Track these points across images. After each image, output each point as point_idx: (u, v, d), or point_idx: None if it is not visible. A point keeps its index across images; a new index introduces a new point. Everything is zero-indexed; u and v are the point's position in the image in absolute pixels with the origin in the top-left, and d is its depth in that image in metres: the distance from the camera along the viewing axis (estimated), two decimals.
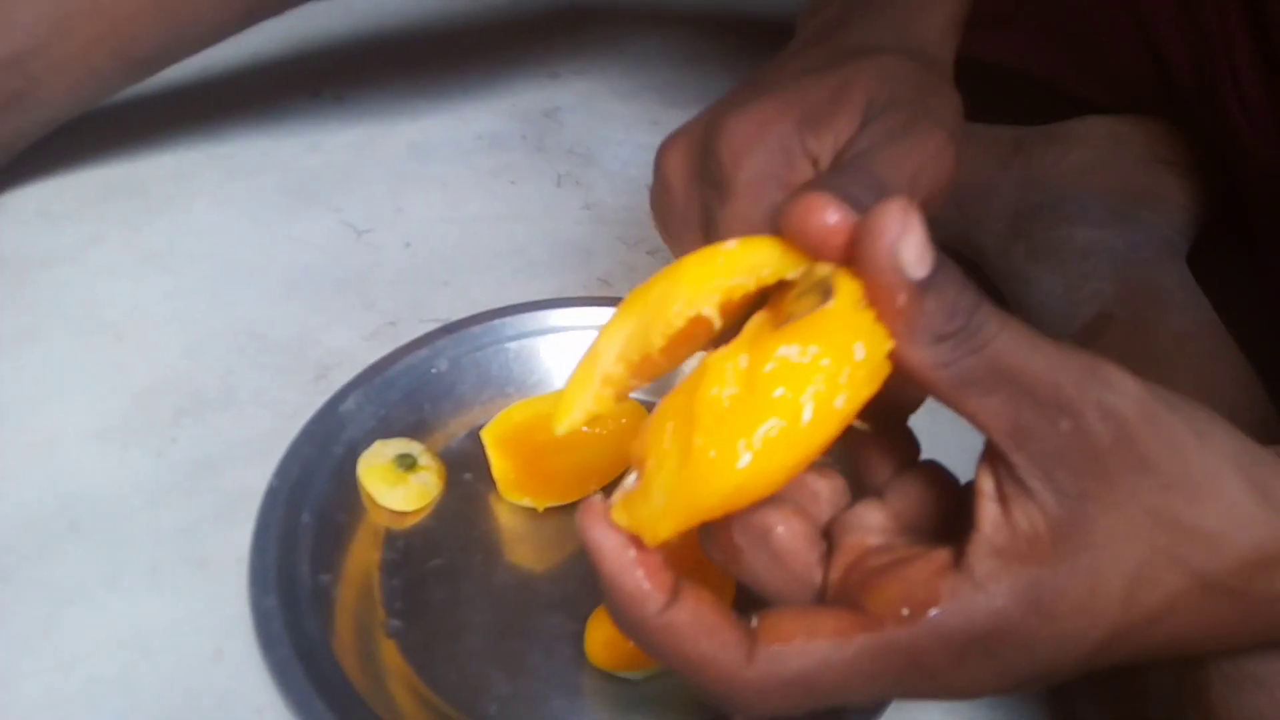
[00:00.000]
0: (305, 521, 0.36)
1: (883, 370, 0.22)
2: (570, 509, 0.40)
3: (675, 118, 0.67)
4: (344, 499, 0.38)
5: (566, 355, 0.44)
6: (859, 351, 0.21)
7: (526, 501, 0.39)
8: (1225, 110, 0.44)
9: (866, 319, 0.21)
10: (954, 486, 0.24)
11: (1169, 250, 0.46)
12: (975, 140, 0.53)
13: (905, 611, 0.21)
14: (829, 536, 0.24)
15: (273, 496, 0.36)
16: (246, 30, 0.54)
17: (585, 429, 0.40)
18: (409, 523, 0.39)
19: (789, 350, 0.21)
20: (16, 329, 0.46)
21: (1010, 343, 0.21)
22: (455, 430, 0.42)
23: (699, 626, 0.22)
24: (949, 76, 0.34)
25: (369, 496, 0.38)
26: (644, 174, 0.61)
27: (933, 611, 0.21)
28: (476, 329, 0.43)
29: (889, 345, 0.21)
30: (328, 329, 0.47)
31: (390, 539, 0.38)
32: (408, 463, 0.39)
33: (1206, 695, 0.26)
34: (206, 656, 0.34)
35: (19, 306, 0.47)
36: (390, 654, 0.34)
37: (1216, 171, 0.49)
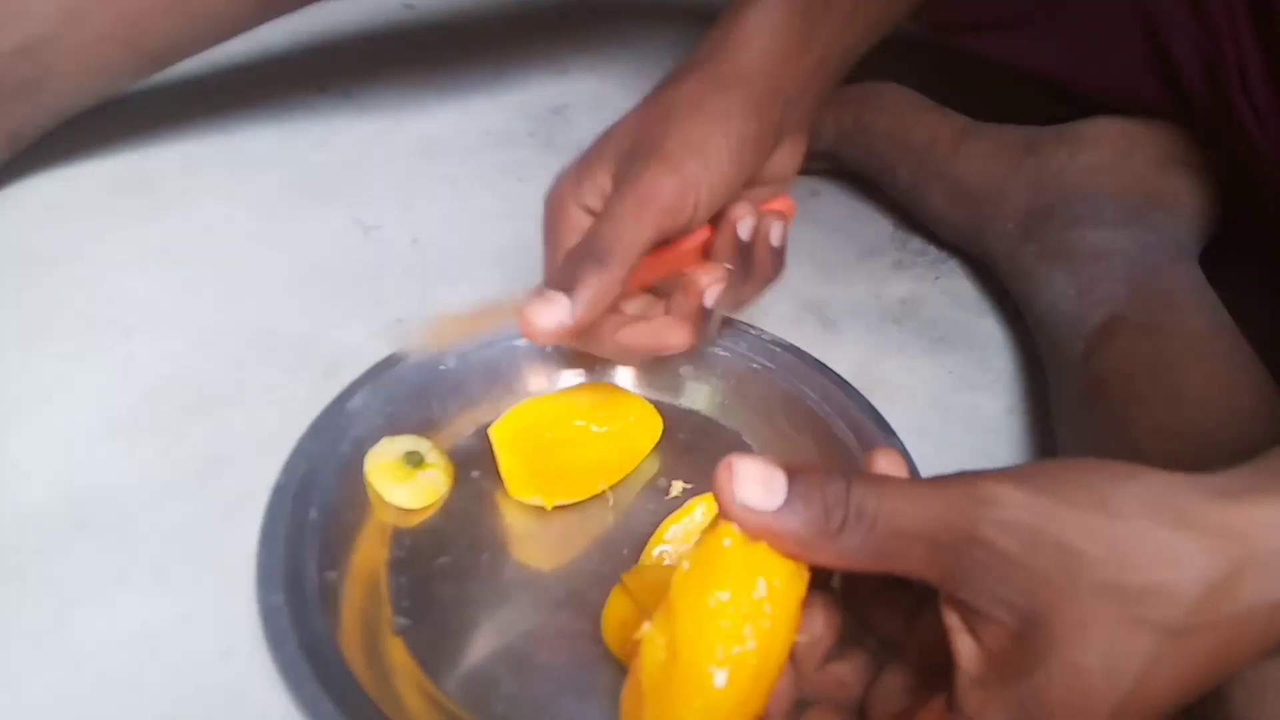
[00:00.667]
0: (313, 519, 0.36)
1: (793, 589, 0.23)
2: (578, 507, 0.40)
3: None
4: (351, 496, 0.38)
5: (574, 354, 0.44)
6: (761, 586, 0.23)
7: (535, 499, 0.39)
8: (1234, 113, 0.44)
9: (759, 552, 0.23)
10: None
11: (1182, 252, 0.46)
12: (985, 140, 0.53)
13: None
14: (863, 712, 0.26)
15: (280, 494, 0.36)
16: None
17: (594, 427, 0.40)
18: (417, 520, 0.39)
19: (697, 604, 0.23)
20: (25, 325, 0.46)
21: (892, 509, 0.22)
22: (463, 428, 0.42)
23: None
24: (748, 94, 0.35)
25: (376, 494, 0.38)
26: None
27: None
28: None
29: (791, 566, 0.23)
30: (336, 325, 0.47)
31: (398, 536, 0.38)
32: (415, 460, 0.39)
33: (1229, 704, 0.26)
34: (214, 654, 0.34)
35: (27, 302, 0.47)
36: (397, 652, 0.34)
37: (1228, 173, 0.49)
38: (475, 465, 0.41)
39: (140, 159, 0.57)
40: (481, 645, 0.35)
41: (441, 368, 0.42)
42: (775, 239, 0.36)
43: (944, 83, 0.58)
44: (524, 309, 0.31)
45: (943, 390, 0.47)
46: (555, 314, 0.31)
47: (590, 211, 0.35)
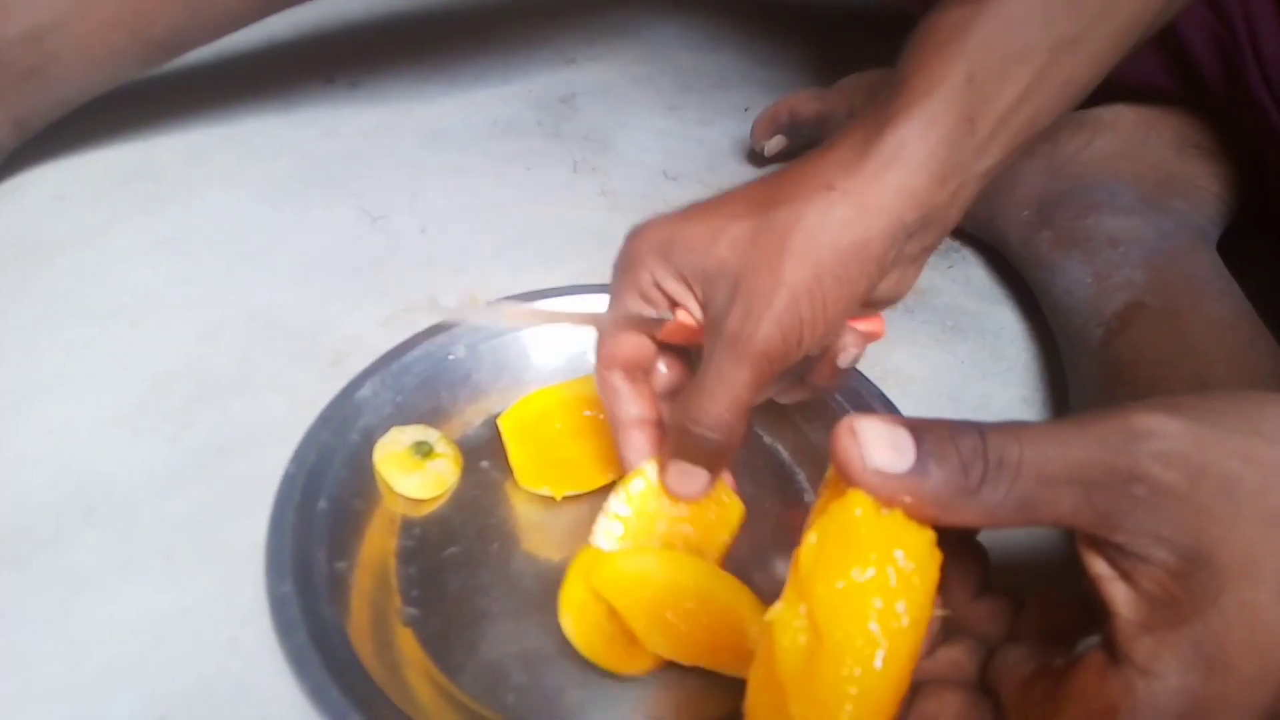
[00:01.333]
0: (321, 508, 0.36)
1: (934, 558, 0.22)
2: (588, 497, 0.39)
3: (691, 103, 0.67)
4: (360, 486, 0.38)
5: (583, 342, 0.44)
6: (902, 558, 0.22)
7: (544, 489, 0.39)
8: (1251, 96, 0.43)
9: (895, 521, 0.22)
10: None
11: (1200, 238, 0.45)
12: None
13: None
14: (987, 687, 0.24)
15: (289, 483, 0.36)
16: None
17: (604, 417, 0.40)
18: (425, 510, 0.38)
19: (840, 583, 0.22)
20: (31, 315, 0.46)
21: (1038, 454, 0.21)
22: (472, 418, 0.42)
23: None
24: (879, 226, 0.31)
25: (385, 483, 0.38)
26: (660, 160, 0.60)
27: None
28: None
29: (930, 535, 0.22)
30: (343, 315, 0.47)
31: (407, 526, 0.38)
32: (424, 450, 0.39)
33: None
34: (221, 644, 0.34)
35: (33, 292, 0.47)
36: (407, 642, 0.34)
37: (1246, 158, 0.48)
38: (484, 455, 0.40)
39: (146, 149, 0.57)
40: (491, 636, 0.34)
41: (450, 357, 0.42)
42: (844, 362, 0.34)
43: None
44: (667, 481, 0.33)
45: (955, 379, 0.47)
46: (696, 484, 0.33)
47: (667, 295, 0.33)
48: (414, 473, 0.38)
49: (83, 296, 0.47)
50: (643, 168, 0.59)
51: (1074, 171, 0.49)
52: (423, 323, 0.43)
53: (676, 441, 0.32)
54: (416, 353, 0.41)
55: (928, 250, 0.34)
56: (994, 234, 0.52)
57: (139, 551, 0.37)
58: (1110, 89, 0.49)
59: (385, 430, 0.39)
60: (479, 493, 0.39)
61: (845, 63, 0.60)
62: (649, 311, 0.34)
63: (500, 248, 0.52)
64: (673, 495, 0.33)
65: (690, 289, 0.33)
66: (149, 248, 0.50)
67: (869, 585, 0.21)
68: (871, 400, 0.41)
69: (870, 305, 0.34)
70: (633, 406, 0.35)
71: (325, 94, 0.63)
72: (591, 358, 0.43)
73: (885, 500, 0.22)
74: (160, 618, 0.35)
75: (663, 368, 0.36)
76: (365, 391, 0.39)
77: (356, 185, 0.56)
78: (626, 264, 0.34)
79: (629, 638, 0.33)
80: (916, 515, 0.22)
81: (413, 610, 0.35)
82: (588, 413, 0.41)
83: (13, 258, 0.49)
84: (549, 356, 0.43)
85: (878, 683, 0.21)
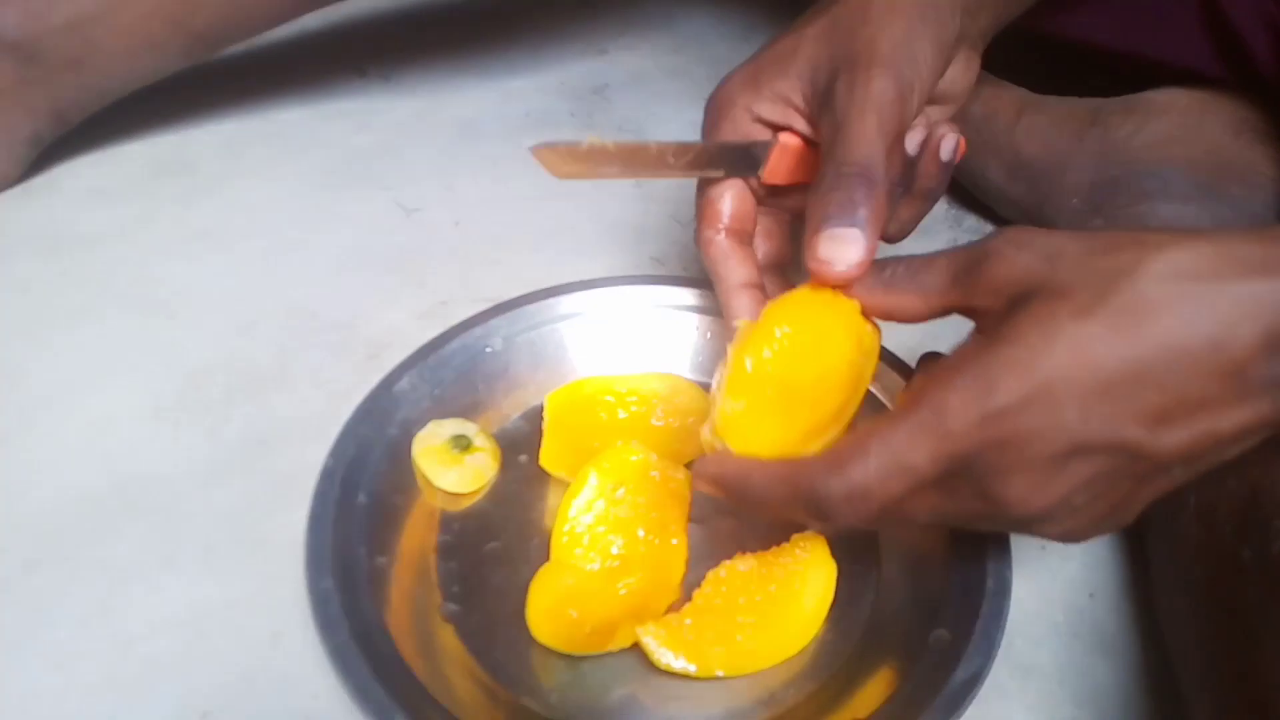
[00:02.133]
0: (361, 502, 0.35)
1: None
2: None
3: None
4: (399, 480, 0.37)
5: (621, 335, 0.43)
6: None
7: (562, 474, 0.38)
8: None
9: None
10: None
11: (1258, 225, 0.44)
12: (1046, 113, 0.50)
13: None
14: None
15: (328, 477, 0.35)
16: None
17: (655, 421, 0.39)
18: (465, 504, 0.38)
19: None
20: (70, 308, 0.46)
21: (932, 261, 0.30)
22: (509, 411, 0.41)
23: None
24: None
25: (424, 477, 0.37)
26: None
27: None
28: (530, 308, 0.42)
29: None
30: (380, 308, 0.47)
31: (446, 521, 0.37)
32: (463, 444, 0.38)
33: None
34: (263, 639, 0.34)
35: (71, 285, 0.47)
36: (448, 638, 0.34)
37: None
38: (523, 449, 0.40)
39: (181, 142, 0.57)
40: (531, 633, 0.34)
41: (488, 350, 0.41)
42: (946, 153, 0.34)
43: (991, 57, 0.56)
44: (818, 254, 0.30)
45: None
46: (854, 250, 0.30)
47: (765, 123, 0.34)
48: (453, 467, 0.38)
49: (120, 290, 0.47)
50: None
51: (1125, 158, 0.47)
52: (459, 314, 0.42)
53: (820, 203, 0.30)
54: (454, 345, 0.41)
55: (984, 38, 0.36)
56: (1041, 222, 0.50)
57: (180, 546, 0.36)
58: (1159, 74, 0.48)
59: (424, 424, 0.38)
60: (518, 487, 0.39)
61: None
62: (756, 136, 0.34)
63: (535, 240, 0.52)
64: (828, 269, 0.30)
65: (789, 104, 0.33)
66: (186, 241, 0.50)
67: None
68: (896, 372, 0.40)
69: (939, 100, 0.35)
70: (739, 268, 0.35)
71: (358, 87, 0.63)
72: (634, 349, 0.42)
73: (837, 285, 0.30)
74: (202, 612, 0.35)
75: (760, 236, 0.37)
76: (403, 384, 0.39)
77: (390, 178, 0.55)
78: (716, 111, 0.34)
79: (604, 625, 0.33)
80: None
81: (454, 606, 0.35)
82: (636, 409, 0.40)
83: (50, 251, 0.49)
84: (587, 349, 0.43)
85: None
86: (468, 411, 0.40)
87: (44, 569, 0.35)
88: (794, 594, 0.34)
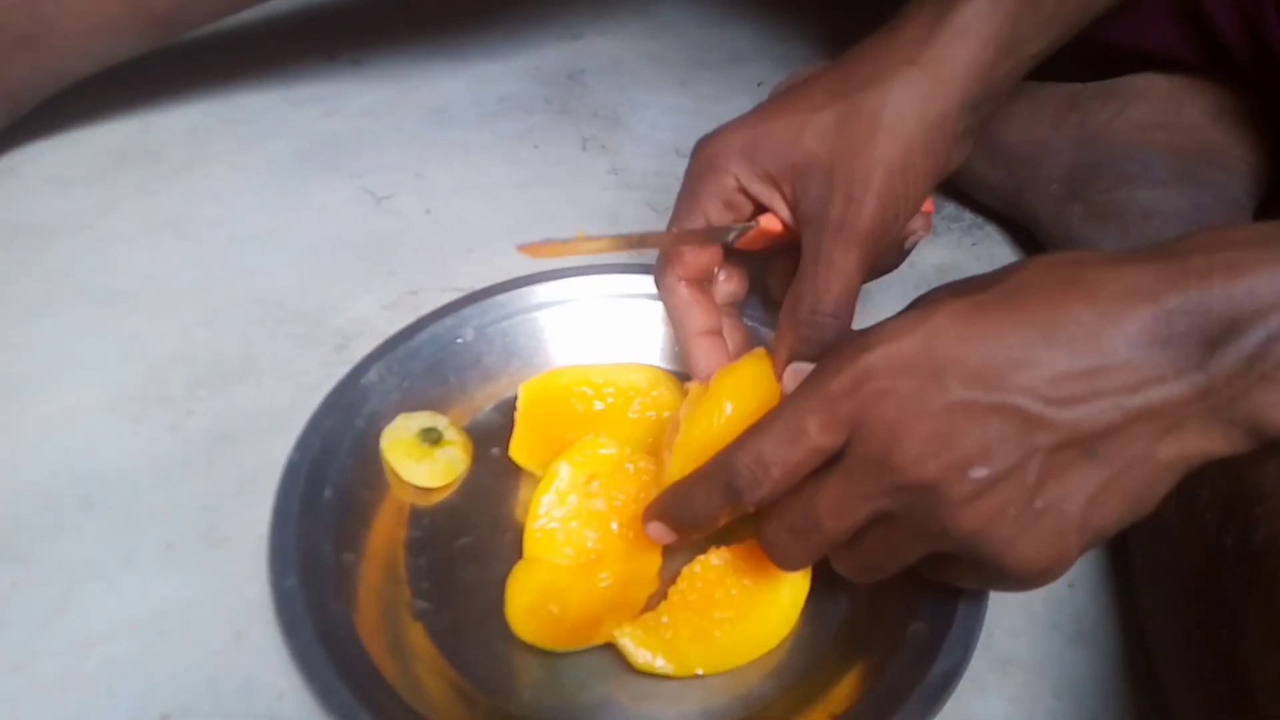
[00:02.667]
0: (327, 497, 0.34)
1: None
2: None
3: (703, 79, 0.65)
4: (367, 474, 0.36)
5: (596, 325, 0.42)
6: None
7: (531, 468, 0.37)
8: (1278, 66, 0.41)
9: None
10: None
11: (1237, 211, 0.43)
12: (1025, 99, 0.50)
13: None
14: None
15: (293, 472, 0.34)
16: None
17: (633, 413, 0.38)
18: (435, 499, 0.37)
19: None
20: (29, 298, 0.45)
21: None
22: (481, 403, 0.40)
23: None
24: (950, 97, 0.32)
25: (393, 472, 0.37)
26: (672, 137, 0.59)
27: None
28: (502, 297, 0.42)
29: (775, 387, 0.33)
30: (348, 298, 0.46)
31: (415, 516, 0.36)
32: (433, 437, 0.37)
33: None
34: (226, 638, 0.33)
35: (31, 275, 0.46)
36: (417, 637, 0.33)
37: (1277, 128, 0.46)
38: (495, 441, 0.39)
39: (144, 129, 0.55)
40: (504, 630, 0.33)
41: (459, 340, 0.40)
42: (910, 244, 0.36)
43: None
44: (784, 384, 0.32)
45: None
46: None
47: (749, 197, 0.34)
48: (423, 461, 0.37)
49: (81, 280, 0.46)
50: (654, 145, 0.58)
51: (1105, 143, 0.47)
52: (430, 304, 0.41)
53: (794, 337, 0.32)
54: (423, 336, 0.40)
55: (982, 124, 0.35)
56: (1021, 209, 0.50)
57: (140, 543, 0.35)
58: (1135, 60, 0.47)
59: (392, 417, 0.37)
60: (490, 481, 0.38)
61: (861, 37, 0.58)
62: (731, 220, 0.34)
63: (509, 227, 0.51)
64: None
65: (777, 188, 0.33)
66: (149, 230, 0.49)
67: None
68: None
69: (948, 167, 0.35)
70: (701, 317, 0.36)
71: (326, 71, 0.62)
72: (609, 339, 0.42)
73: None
74: (163, 612, 0.34)
75: (722, 277, 0.37)
76: (371, 377, 0.38)
77: (360, 165, 0.54)
78: (706, 169, 0.34)
79: (586, 619, 0.32)
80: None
81: (423, 604, 0.34)
82: (606, 401, 0.39)
83: (9, 241, 0.47)
84: (561, 339, 0.42)
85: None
86: (438, 404, 0.39)
87: (0, 567, 0.34)
88: (769, 587, 0.33)
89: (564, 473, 0.35)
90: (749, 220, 0.35)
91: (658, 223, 0.52)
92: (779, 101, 0.34)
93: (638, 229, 0.51)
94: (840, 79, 0.33)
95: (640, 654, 0.31)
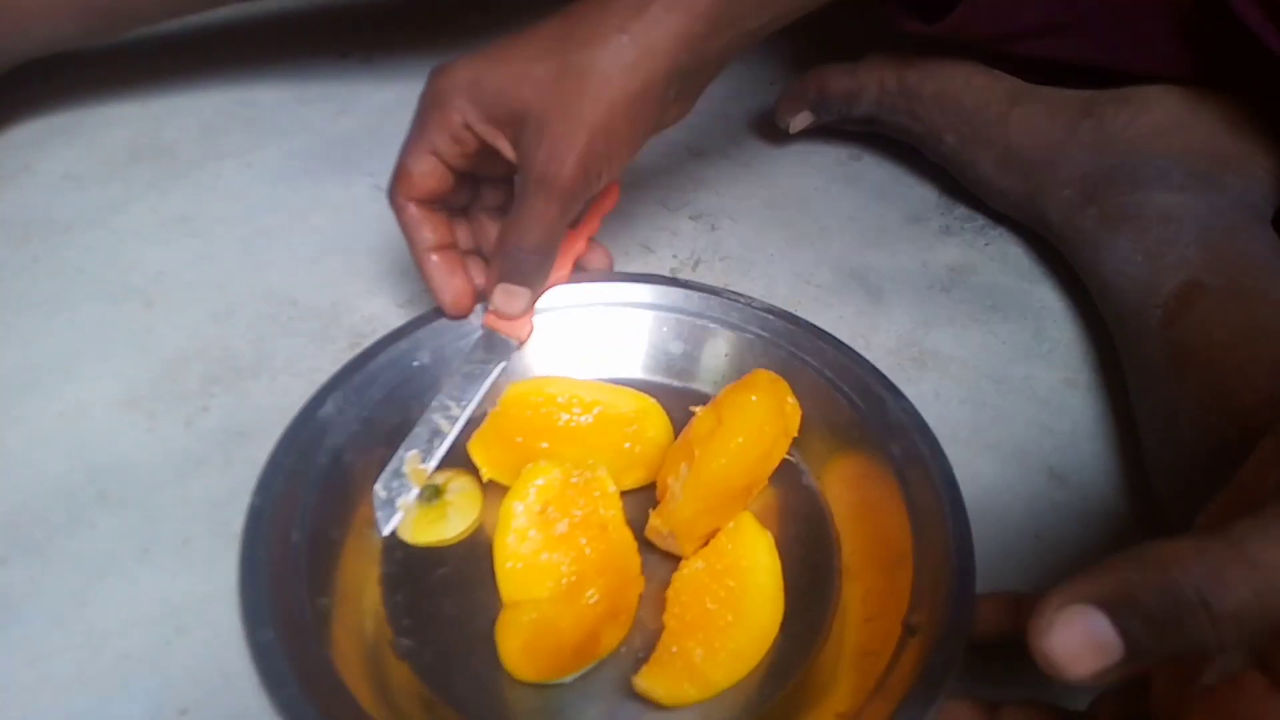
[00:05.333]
0: (295, 541, 0.32)
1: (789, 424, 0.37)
2: None
3: (718, 78, 0.65)
4: (334, 512, 0.35)
5: (556, 338, 0.41)
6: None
7: (485, 467, 0.37)
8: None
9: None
10: None
11: (1255, 216, 0.43)
12: (1039, 104, 0.50)
13: None
14: None
15: (256, 517, 0.32)
16: None
17: (613, 438, 0.37)
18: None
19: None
20: (43, 293, 0.45)
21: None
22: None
23: None
24: (652, 66, 0.34)
25: (423, 545, 0.35)
26: (685, 136, 0.59)
27: None
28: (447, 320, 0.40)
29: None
30: (362, 296, 0.46)
31: (389, 550, 0.35)
32: (432, 494, 0.36)
33: None
34: (241, 634, 0.33)
35: (45, 271, 0.46)
36: (404, 676, 0.31)
37: None
38: (462, 465, 0.37)
39: (156, 126, 0.55)
40: (495, 660, 0.32)
41: (415, 364, 0.39)
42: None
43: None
44: (494, 301, 0.38)
45: (997, 360, 0.45)
46: (521, 302, 0.38)
47: (474, 134, 0.36)
48: (439, 521, 0.36)
49: (95, 276, 0.46)
50: (665, 142, 0.58)
51: (1120, 148, 0.47)
52: (380, 330, 0.40)
53: (501, 266, 0.37)
54: (380, 361, 0.38)
55: (701, 88, 0.38)
56: (1034, 213, 0.50)
57: (156, 538, 0.35)
58: (1134, 79, 0.47)
59: (355, 450, 0.36)
60: None
61: (876, 36, 0.58)
62: (458, 154, 0.37)
63: None
64: (502, 314, 0.39)
65: (501, 130, 0.35)
66: (162, 226, 0.49)
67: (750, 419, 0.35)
68: (865, 374, 0.39)
69: (656, 129, 0.38)
70: (430, 234, 0.38)
71: (339, 69, 0.62)
72: (581, 352, 0.42)
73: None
74: (180, 607, 0.34)
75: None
76: (328, 409, 0.36)
77: (373, 164, 0.54)
78: (436, 103, 0.36)
79: (585, 639, 0.32)
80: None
81: (406, 641, 0.32)
82: (590, 417, 0.38)
83: (24, 236, 0.48)
84: (521, 357, 0.40)
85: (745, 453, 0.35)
86: (399, 431, 0.37)
87: (15, 563, 0.34)
88: (750, 578, 0.33)
89: (517, 510, 0.34)
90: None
91: (670, 221, 0.52)
92: (507, 45, 0.35)
93: (649, 230, 0.51)
94: (563, 35, 0.35)
95: (670, 694, 0.31)
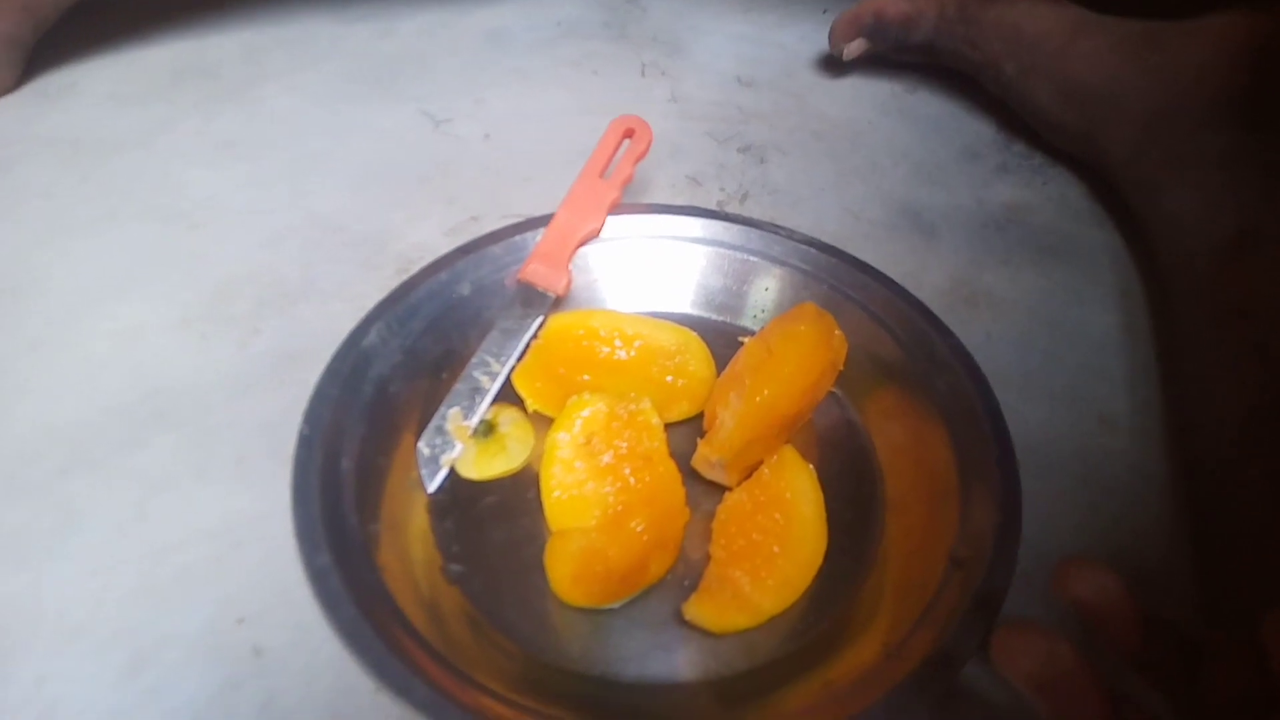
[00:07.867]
0: (345, 469, 0.33)
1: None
2: None
3: (767, 5, 0.63)
4: (381, 442, 0.35)
5: (597, 271, 0.41)
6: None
7: (529, 398, 0.37)
8: None
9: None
10: None
11: None
12: (1103, 34, 0.48)
13: None
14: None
15: (306, 445, 0.33)
16: None
17: (653, 371, 0.37)
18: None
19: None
20: (92, 213, 0.45)
21: None
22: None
23: None
24: None
25: (475, 478, 0.35)
26: (735, 66, 0.57)
27: None
28: (496, 248, 0.40)
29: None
30: (409, 223, 0.45)
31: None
32: (486, 429, 0.36)
33: None
34: (295, 551, 0.34)
35: (93, 191, 0.46)
36: (455, 600, 0.32)
37: None
38: (508, 396, 0.38)
39: (200, 48, 0.55)
40: (544, 586, 0.32)
41: (456, 295, 0.38)
42: None
43: None
44: None
45: (1050, 303, 0.44)
46: None
47: None
48: (498, 455, 0.36)
49: (142, 198, 0.46)
50: (716, 73, 0.56)
51: (1185, 84, 0.45)
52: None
53: None
54: (421, 293, 0.38)
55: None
56: (1091, 150, 0.48)
57: (212, 456, 0.36)
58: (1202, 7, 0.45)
59: (400, 380, 0.36)
60: None
61: None
62: None
63: (568, 156, 0.50)
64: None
65: None
66: (208, 149, 0.49)
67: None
68: (911, 310, 0.38)
69: None
70: None
71: None
72: (629, 287, 0.41)
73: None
74: (235, 523, 0.34)
75: None
76: (372, 339, 0.36)
77: (417, 89, 0.54)
78: None
79: (634, 566, 0.32)
80: None
81: (456, 567, 0.33)
82: (628, 353, 0.38)
83: (71, 155, 0.48)
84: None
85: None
86: (443, 362, 0.37)
87: (76, 476, 0.35)
88: (794, 509, 0.33)
89: (562, 440, 0.35)
90: None
91: (719, 153, 0.51)
92: None
93: (697, 163, 0.51)
94: None
95: (719, 622, 0.31)
